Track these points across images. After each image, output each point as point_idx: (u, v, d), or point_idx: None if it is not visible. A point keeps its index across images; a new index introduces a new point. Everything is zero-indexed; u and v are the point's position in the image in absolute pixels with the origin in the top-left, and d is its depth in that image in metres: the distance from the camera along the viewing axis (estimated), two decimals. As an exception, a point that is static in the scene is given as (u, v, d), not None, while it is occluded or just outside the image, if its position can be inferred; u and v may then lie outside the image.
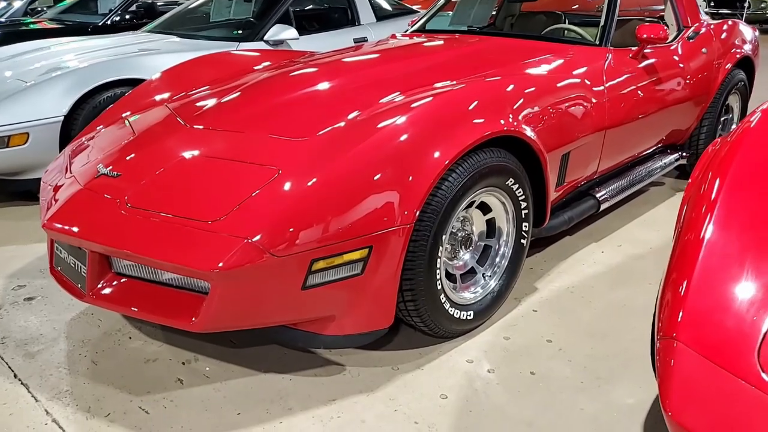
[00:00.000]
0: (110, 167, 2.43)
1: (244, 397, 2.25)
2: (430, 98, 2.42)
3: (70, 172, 2.58)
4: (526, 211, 2.67)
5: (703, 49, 4.01)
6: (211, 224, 2.04)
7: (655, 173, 3.80)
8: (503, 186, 2.52)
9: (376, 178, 2.11)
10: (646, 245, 3.44)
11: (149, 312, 2.13)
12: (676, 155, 4.03)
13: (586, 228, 3.63)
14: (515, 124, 2.50)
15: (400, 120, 2.26)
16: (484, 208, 2.60)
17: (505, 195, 2.57)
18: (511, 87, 2.64)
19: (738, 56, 4.27)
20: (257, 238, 1.97)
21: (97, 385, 2.31)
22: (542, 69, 3.02)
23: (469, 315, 2.52)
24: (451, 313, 2.44)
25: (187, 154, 2.40)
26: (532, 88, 2.72)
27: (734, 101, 4.52)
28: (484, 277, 2.65)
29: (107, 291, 2.25)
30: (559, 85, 2.90)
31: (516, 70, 2.95)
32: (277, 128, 2.47)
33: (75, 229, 2.22)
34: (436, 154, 2.21)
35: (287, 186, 2.11)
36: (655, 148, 3.91)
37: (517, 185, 2.57)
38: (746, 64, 4.47)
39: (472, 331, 2.61)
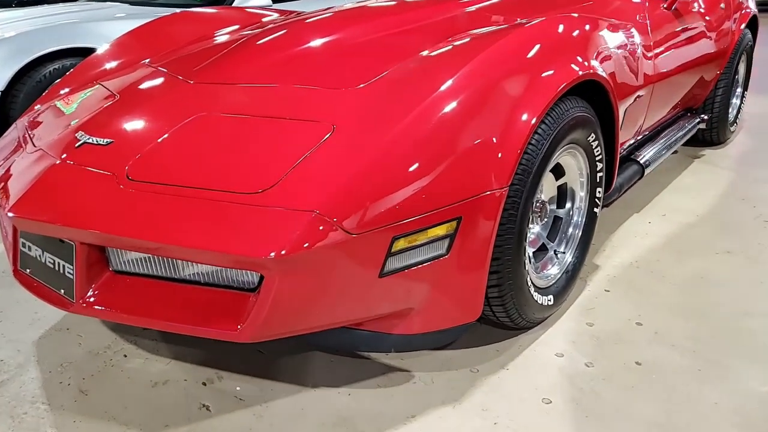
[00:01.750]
0: (95, 133, 1.85)
1: (298, 422, 1.74)
2: (499, 39, 1.97)
3: (34, 146, 1.97)
4: (601, 174, 2.27)
5: (722, 5, 3.75)
6: (259, 195, 1.52)
7: (683, 137, 3.51)
8: (584, 142, 2.11)
9: (459, 133, 1.65)
10: (691, 213, 3.13)
11: (174, 320, 1.58)
12: (696, 119, 3.76)
13: (620, 199, 3.29)
14: (591, 69, 2.09)
15: (468, 67, 1.80)
16: (556, 172, 2.19)
17: (582, 154, 2.16)
18: (576, 32, 2.22)
19: (749, 15, 4.06)
20: (326, 210, 1.47)
21: (94, 423, 1.74)
22: (595, 14, 2.64)
23: (549, 300, 2.10)
24: (535, 298, 2.02)
25: (202, 114, 1.85)
26: (595, 33, 2.32)
27: (741, 63, 4.31)
28: (556, 254, 2.23)
29: (105, 296, 1.68)
30: (615, 32, 2.52)
31: (567, 13, 2.55)
32: (309, 79, 1.96)
33: (56, 214, 1.64)
34: (526, 101, 1.77)
35: (349, 144, 1.61)
36: (679, 110, 3.63)
37: (596, 142, 2.17)
38: (753, 25, 4.28)
39: (548, 320, 2.20)
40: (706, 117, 3.83)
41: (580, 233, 2.27)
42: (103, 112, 2.01)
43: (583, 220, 2.28)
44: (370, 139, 1.61)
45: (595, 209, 2.30)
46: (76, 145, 1.83)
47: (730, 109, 4.20)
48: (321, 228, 1.45)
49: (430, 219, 1.59)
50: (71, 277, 1.70)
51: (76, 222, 1.61)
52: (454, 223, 1.64)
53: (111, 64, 2.59)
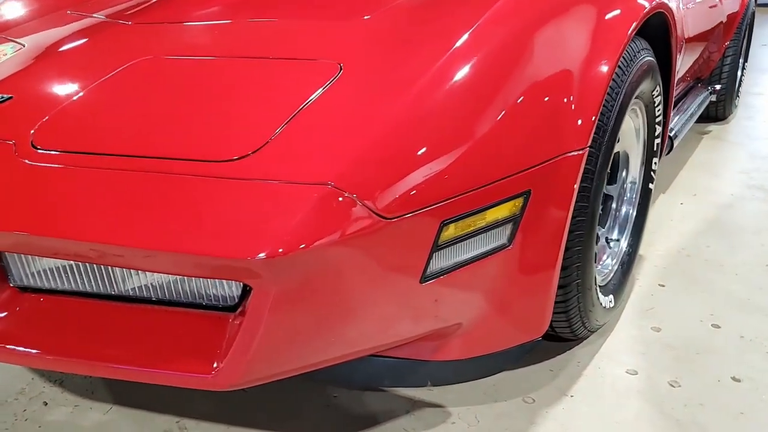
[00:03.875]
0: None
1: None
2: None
3: None
4: (659, 139, 1.82)
5: (732, -35, 3.40)
6: (238, 163, 0.98)
7: (699, 108, 3.12)
8: (647, 97, 1.65)
9: (518, 76, 1.15)
10: (724, 193, 2.73)
11: (115, 361, 1.03)
12: (707, 90, 3.39)
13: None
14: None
15: None
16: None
17: (643, 113, 1.70)
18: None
19: (753, -22, 3.73)
20: (345, 183, 0.95)
21: None
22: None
23: (611, 301, 1.64)
24: (600, 300, 1.55)
25: (146, 58, 1.29)
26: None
27: (747, 31, 3.98)
28: (608, 242, 1.77)
29: (7, 327, 1.11)
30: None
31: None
32: (293, 11, 1.43)
33: None
34: (599, 38, 1.29)
35: (367, 90, 1.10)
36: (691, 80, 3.25)
37: (659, 97, 1.71)
38: (753, -8, 3.95)
39: (604, 326, 1.73)
40: (717, 87, 3.47)
41: (634, 214, 1.81)
42: (4, 64, 1.43)
43: (638, 198, 1.82)
44: (394, 83, 1.10)
45: (650, 185, 1.85)
46: (-42, 105, 1.26)
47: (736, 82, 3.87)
48: (338, 209, 0.93)
49: (490, 195, 1.09)
50: (-52, 300, 1.12)
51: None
52: (520, 200, 1.14)
53: (12, 15, 1.98)
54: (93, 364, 1.05)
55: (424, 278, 1.06)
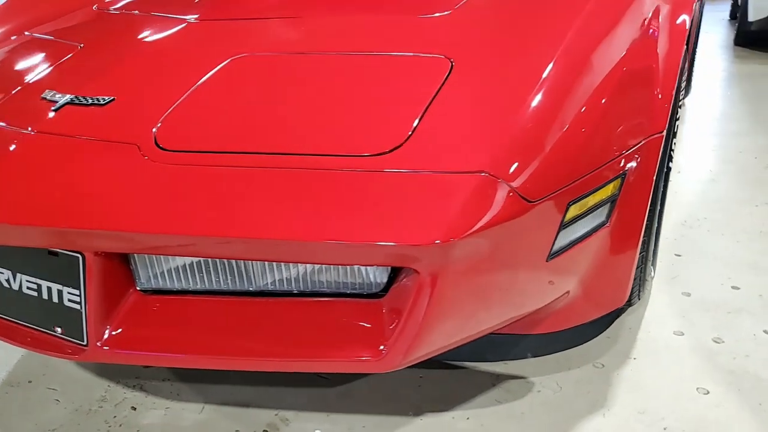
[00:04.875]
0: (77, 90, 1.25)
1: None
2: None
3: None
4: (678, 118, 1.98)
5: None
6: (388, 157, 1.04)
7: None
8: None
9: (619, 67, 1.25)
10: (705, 169, 2.97)
11: (269, 355, 1.06)
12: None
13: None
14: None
15: None
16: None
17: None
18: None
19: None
20: (497, 170, 1.02)
21: None
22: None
23: (652, 271, 1.78)
24: (651, 270, 1.69)
25: (242, 56, 1.30)
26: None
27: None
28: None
29: (139, 329, 1.11)
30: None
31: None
32: (363, 6, 1.47)
33: (48, 213, 1.05)
34: (672, 31, 1.41)
35: (486, 83, 1.17)
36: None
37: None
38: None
39: (646, 329, 1.87)
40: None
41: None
42: (71, 64, 1.39)
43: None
44: (513, 76, 1.17)
45: (670, 163, 2.01)
46: (53, 108, 1.22)
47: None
48: (493, 195, 1.00)
49: (601, 176, 1.19)
50: (77, 307, 1.11)
51: (87, 221, 1.04)
52: (618, 181, 1.24)
53: (30, 13, 1.90)
54: (248, 360, 1.07)
55: (549, 256, 1.15)
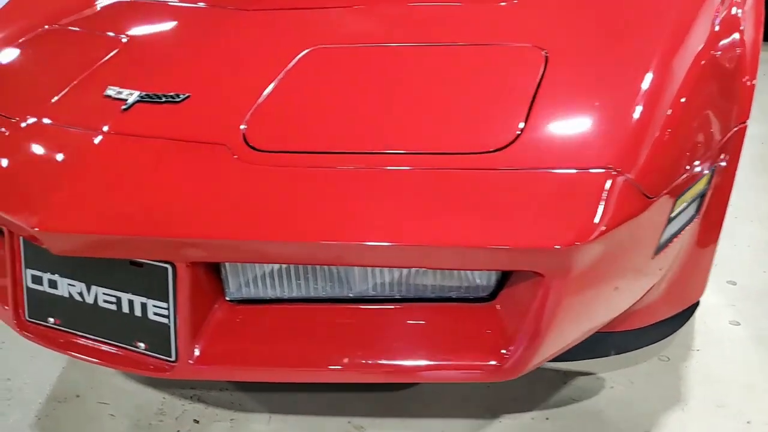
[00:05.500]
0: (145, 86, 1.16)
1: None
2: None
3: (30, 118, 1.20)
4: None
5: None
6: (501, 154, 0.98)
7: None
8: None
9: (715, 59, 1.21)
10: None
11: (379, 366, 1.00)
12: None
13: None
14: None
15: None
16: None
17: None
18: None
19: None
20: (622, 166, 0.97)
21: None
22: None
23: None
24: (708, 260, 1.67)
25: (316, 48, 1.22)
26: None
27: None
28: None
29: (232, 343, 1.04)
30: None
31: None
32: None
33: (135, 221, 0.97)
34: (753, 19, 1.38)
35: (586, 75, 1.12)
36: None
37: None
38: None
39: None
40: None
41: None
42: (123, 58, 1.29)
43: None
44: (611, 67, 1.12)
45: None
46: (123, 107, 1.12)
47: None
48: (621, 191, 0.96)
49: (702, 168, 1.16)
50: (164, 321, 1.04)
51: (181, 229, 0.96)
52: (708, 174, 1.22)
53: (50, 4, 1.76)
54: (357, 372, 1.02)
55: (656, 251, 1.12)
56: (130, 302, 1.05)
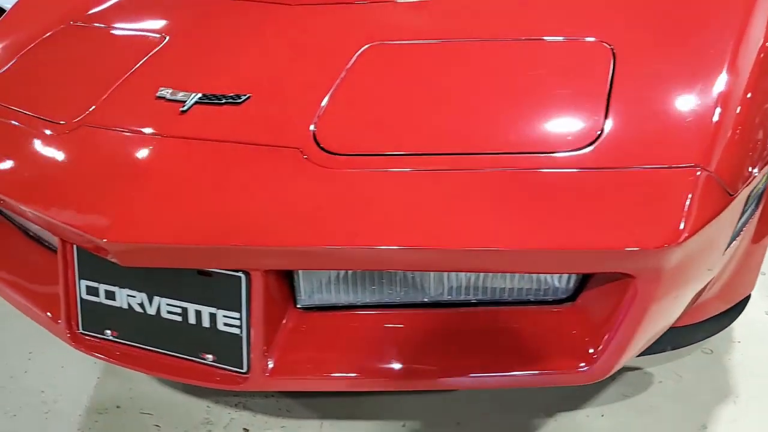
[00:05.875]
0: (201, 87, 1.11)
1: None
2: None
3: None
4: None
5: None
6: (587, 155, 0.96)
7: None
8: None
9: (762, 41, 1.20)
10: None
11: (460, 372, 0.98)
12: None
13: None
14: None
15: None
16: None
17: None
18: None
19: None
20: (708, 163, 0.96)
21: None
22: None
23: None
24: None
25: (373, 44, 1.18)
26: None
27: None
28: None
29: (306, 352, 1.01)
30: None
31: None
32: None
33: (210, 230, 0.93)
34: None
35: (655, 70, 1.10)
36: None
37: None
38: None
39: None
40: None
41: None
42: (169, 57, 1.24)
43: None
44: (682, 63, 1.10)
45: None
46: (181, 109, 1.07)
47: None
48: (708, 189, 0.94)
49: (762, 165, 1.15)
50: (235, 331, 1.00)
51: (258, 237, 0.92)
52: (768, 169, 1.21)
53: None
54: (439, 380, 0.99)
55: (726, 248, 1.11)
56: (198, 313, 1.01)
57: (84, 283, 1.08)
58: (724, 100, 1.03)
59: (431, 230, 0.91)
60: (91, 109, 1.14)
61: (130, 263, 0.95)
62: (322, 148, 1.00)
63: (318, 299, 1.04)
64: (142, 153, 1.02)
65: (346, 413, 1.39)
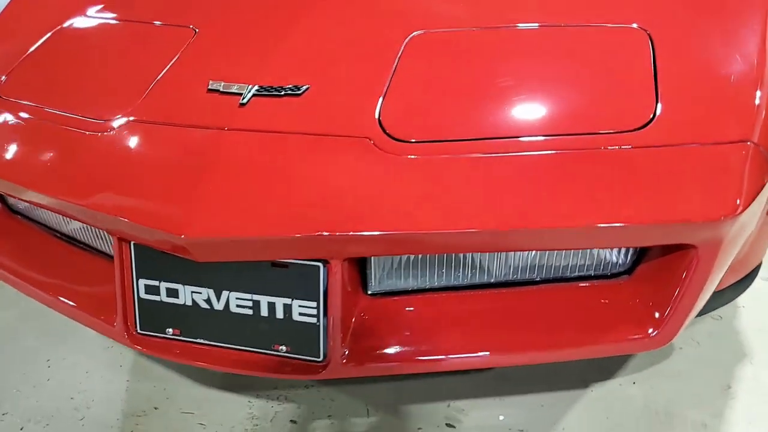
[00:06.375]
0: (255, 79, 1.09)
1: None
2: None
3: (129, 117, 1.11)
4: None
5: None
6: (644, 132, 1.01)
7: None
8: None
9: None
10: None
11: (532, 347, 1.02)
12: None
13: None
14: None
15: None
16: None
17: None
18: None
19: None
20: (755, 137, 1.02)
21: None
22: None
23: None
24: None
25: (418, 33, 1.19)
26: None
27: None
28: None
29: (382, 338, 1.02)
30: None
31: None
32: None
33: (296, 217, 0.93)
34: None
35: (690, 52, 1.15)
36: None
37: None
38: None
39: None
40: None
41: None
42: (207, 49, 1.21)
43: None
44: (715, 43, 1.16)
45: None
46: (241, 102, 1.06)
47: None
48: (757, 162, 1.00)
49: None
50: (311, 320, 1.00)
51: (342, 225, 0.92)
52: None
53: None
54: (507, 355, 1.02)
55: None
56: (271, 305, 1.01)
57: (142, 282, 1.05)
58: (760, 78, 1.10)
59: (509, 212, 0.94)
60: (135, 105, 1.11)
61: (206, 258, 0.94)
62: (391, 136, 1.01)
63: (387, 285, 1.06)
64: (208, 147, 1.00)
65: (391, 398, 1.41)
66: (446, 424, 1.35)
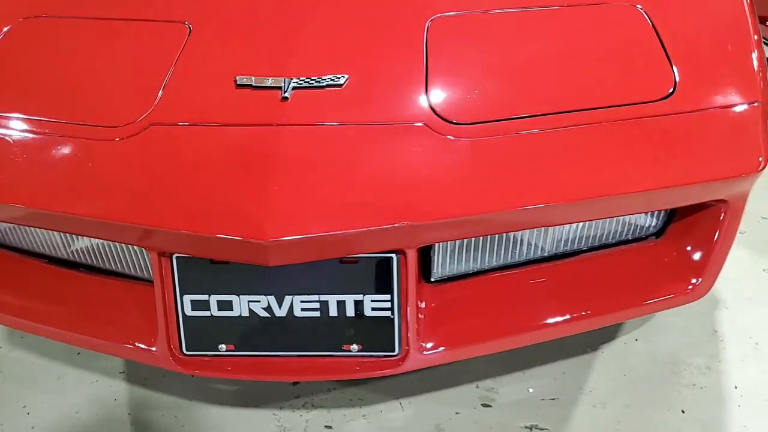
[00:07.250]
0: (290, 71, 1.03)
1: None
2: None
3: (148, 120, 0.99)
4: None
5: None
6: (671, 101, 1.07)
7: None
8: None
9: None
10: None
11: (590, 313, 1.06)
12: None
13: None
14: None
15: None
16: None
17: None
18: None
19: None
20: (761, 97, 1.11)
21: None
22: None
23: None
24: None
25: (436, 17, 1.17)
26: None
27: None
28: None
29: (454, 325, 1.01)
30: None
31: None
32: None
33: (372, 210, 0.89)
34: None
35: (692, 24, 1.23)
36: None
37: None
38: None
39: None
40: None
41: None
42: (215, 43, 1.11)
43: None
44: (708, 14, 1.24)
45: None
46: (282, 95, 0.98)
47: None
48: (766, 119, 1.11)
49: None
50: (385, 314, 0.97)
51: (420, 214, 0.90)
52: None
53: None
54: (570, 324, 1.05)
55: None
56: (340, 304, 0.96)
57: (188, 298, 0.96)
58: (758, 45, 1.21)
59: (575, 184, 0.96)
60: (152, 107, 1.00)
61: (281, 261, 0.87)
62: (447, 120, 0.99)
63: (449, 271, 1.04)
64: (265, 145, 0.92)
65: (419, 389, 1.40)
66: (482, 405, 1.36)
